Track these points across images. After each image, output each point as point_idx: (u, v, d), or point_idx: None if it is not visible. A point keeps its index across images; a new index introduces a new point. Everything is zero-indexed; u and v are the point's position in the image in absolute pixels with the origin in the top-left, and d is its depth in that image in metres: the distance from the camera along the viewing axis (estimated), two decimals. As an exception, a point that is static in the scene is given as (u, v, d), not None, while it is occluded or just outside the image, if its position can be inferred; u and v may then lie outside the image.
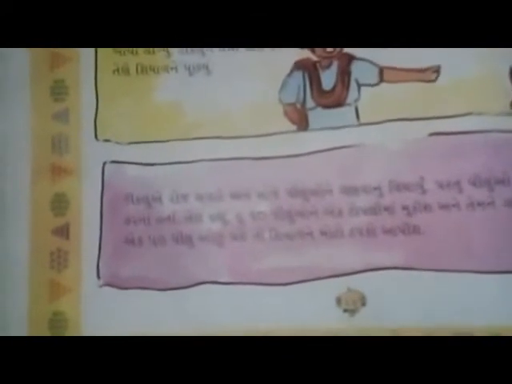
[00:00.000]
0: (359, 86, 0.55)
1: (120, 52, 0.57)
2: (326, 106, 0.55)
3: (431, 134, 0.53)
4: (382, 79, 0.55)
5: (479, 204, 0.52)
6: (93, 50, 0.57)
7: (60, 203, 0.56)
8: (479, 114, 0.53)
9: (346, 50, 0.55)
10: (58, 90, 0.57)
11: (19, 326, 0.55)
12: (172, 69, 0.57)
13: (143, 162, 0.56)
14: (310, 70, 0.56)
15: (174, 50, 0.57)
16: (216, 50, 0.56)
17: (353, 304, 0.53)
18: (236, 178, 0.55)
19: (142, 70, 0.57)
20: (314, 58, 0.56)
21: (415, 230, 0.53)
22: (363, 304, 0.53)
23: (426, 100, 0.53)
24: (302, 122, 0.55)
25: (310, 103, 0.55)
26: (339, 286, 0.53)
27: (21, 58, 0.57)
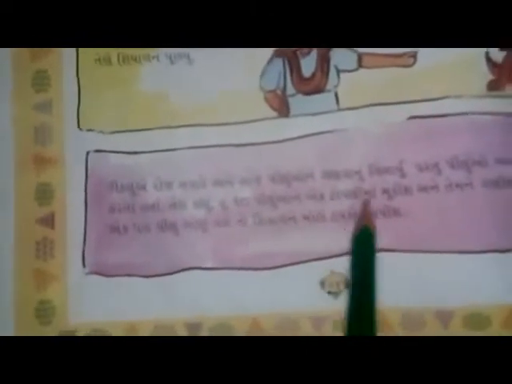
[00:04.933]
0: (338, 71, 0.56)
1: (101, 42, 0.57)
2: (306, 93, 0.56)
3: (410, 118, 0.54)
4: (360, 65, 0.55)
5: (457, 185, 0.53)
6: (74, 40, 0.57)
7: (44, 193, 0.56)
8: (456, 97, 0.54)
9: (324, 36, 0.56)
10: (40, 81, 0.57)
11: (5, 315, 0.55)
12: (153, 58, 0.57)
13: (127, 150, 0.56)
14: (289, 57, 0.56)
15: (155, 40, 0.57)
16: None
17: (336, 286, 0.54)
18: (219, 164, 0.56)
19: (124, 59, 0.57)
20: (294, 45, 0.56)
21: (396, 212, 0.54)
22: (346, 286, 0.54)
23: (403, 84, 0.54)
24: (282, 109, 0.56)
25: (290, 90, 0.56)
26: (323, 269, 0.54)
27: (1, 49, 0.57)
